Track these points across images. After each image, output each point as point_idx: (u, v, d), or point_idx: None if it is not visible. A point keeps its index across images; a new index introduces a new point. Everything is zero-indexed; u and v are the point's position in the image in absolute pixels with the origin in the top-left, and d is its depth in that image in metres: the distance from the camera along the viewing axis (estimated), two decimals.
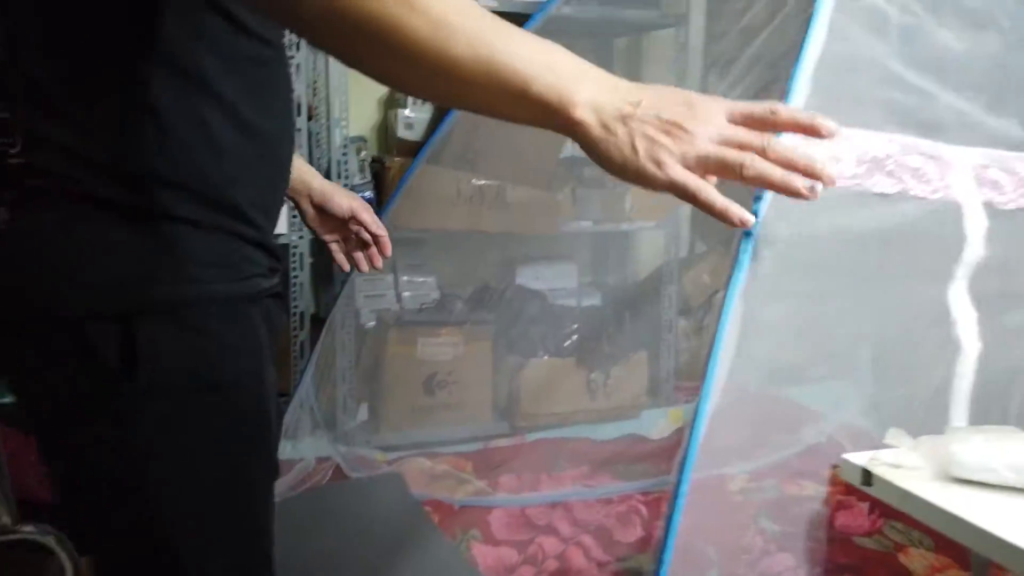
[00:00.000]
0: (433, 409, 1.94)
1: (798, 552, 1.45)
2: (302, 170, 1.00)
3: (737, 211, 0.55)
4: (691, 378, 1.90)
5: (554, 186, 1.99)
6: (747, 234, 0.67)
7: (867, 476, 0.62)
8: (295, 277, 1.89)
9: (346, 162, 1.93)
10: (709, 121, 0.54)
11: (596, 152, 0.54)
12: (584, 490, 1.74)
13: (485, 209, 1.95)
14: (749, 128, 0.55)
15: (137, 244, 0.59)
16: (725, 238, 2.06)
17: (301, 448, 1.83)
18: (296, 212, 1.90)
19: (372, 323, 2.00)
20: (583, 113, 0.53)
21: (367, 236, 1.02)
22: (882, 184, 0.81)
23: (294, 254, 1.88)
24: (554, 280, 1.97)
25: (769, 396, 1.86)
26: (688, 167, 0.54)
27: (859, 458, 0.65)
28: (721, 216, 0.55)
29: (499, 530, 1.61)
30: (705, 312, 1.90)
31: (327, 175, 1.90)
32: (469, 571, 1.47)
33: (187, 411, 0.61)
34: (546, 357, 1.91)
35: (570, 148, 1.92)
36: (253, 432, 0.66)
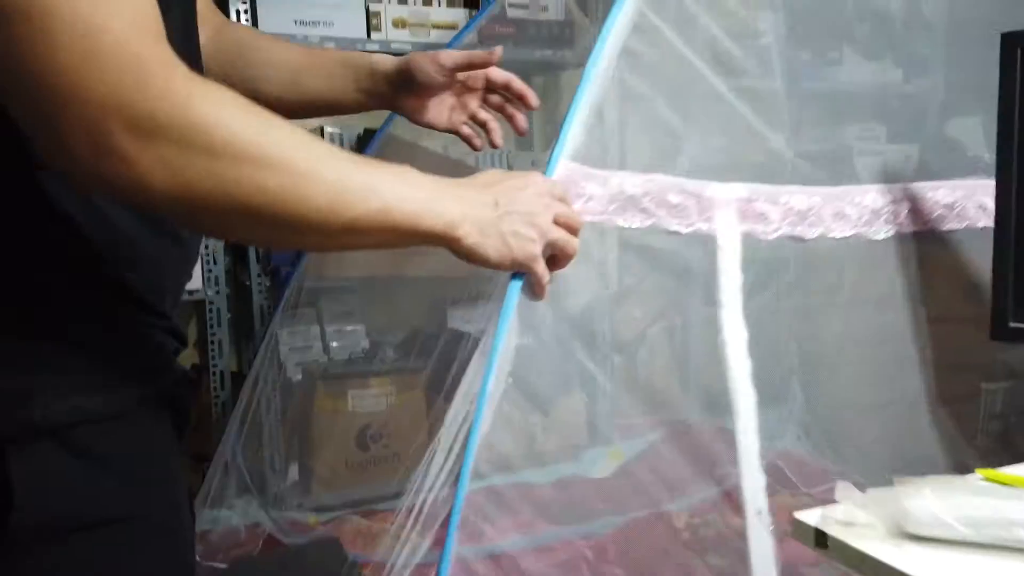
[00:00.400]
0: (367, 464, 1.85)
1: None
2: (357, 60, 0.80)
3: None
4: (630, 416, 1.89)
5: None
6: (515, 276, 0.75)
7: (821, 537, 0.58)
8: (213, 334, 1.80)
9: None
10: (546, 200, 0.65)
11: (475, 256, 0.61)
12: (525, 539, 1.69)
13: (408, 253, 1.90)
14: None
15: (5, 349, 0.48)
16: (651, 269, 2.07)
17: (229, 515, 1.72)
18: (211, 265, 1.81)
19: (298, 377, 1.91)
20: (466, 229, 0.59)
21: (497, 92, 0.86)
22: (633, 219, 0.92)
23: (211, 310, 1.78)
24: (485, 321, 1.94)
25: (708, 428, 1.86)
26: (544, 245, 0.66)
27: (810, 516, 0.62)
28: (539, 290, 0.72)
29: None
30: (638, 346, 1.90)
31: None
32: None
33: (80, 558, 0.49)
34: None
35: None
36: (164, 568, 0.55)
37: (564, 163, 0.85)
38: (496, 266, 0.64)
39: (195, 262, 0.64)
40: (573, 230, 0.68)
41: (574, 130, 0.85)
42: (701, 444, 1.87)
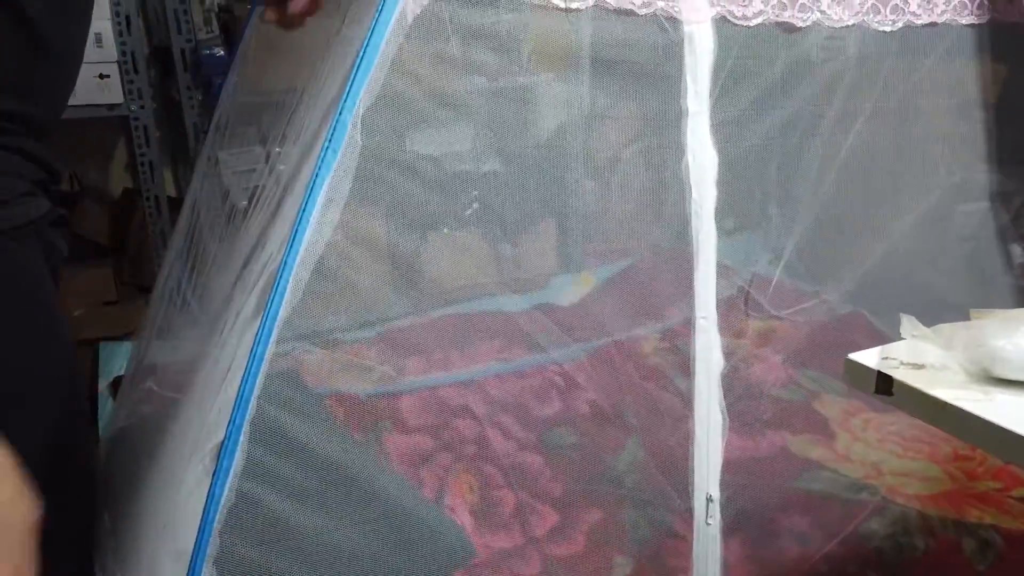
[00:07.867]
0: (324, 295, 1.76)
1: None
2: None
3: None
4: (601, 241, 1.82)
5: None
6: None
7: (885, 382, 0.49)
8: (142, 155, 1.61)
9: (186, 11, 1.61)
10: None
11: None
12: (496, 366, 1.66)
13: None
14: None
15: None
16: (630, 91, 1.91)
17: (182, 346, 1.63)
18: (131, 75, 1.59)
19: (244, 203, 1.75)
20: None
21: None
22: None
23: (136, 127, 1.59)
24: (447, 144, 1.78)
25: (681, 253, 1.80)
26: None
27: (867, 357, 0.51)
28: None
29: (411, 416, 1.52)
30: (612, 170, 1.78)
31: (163, 26, 1.58)
32: (378, 469, 1.37)
33: None
34: (446, 230, 1.75)
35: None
36: (33, 424, 0.54)
37: None
38: None
39: (72, 73, 0.52)
40: None
41: None
42: (673, 269, 1.82)
